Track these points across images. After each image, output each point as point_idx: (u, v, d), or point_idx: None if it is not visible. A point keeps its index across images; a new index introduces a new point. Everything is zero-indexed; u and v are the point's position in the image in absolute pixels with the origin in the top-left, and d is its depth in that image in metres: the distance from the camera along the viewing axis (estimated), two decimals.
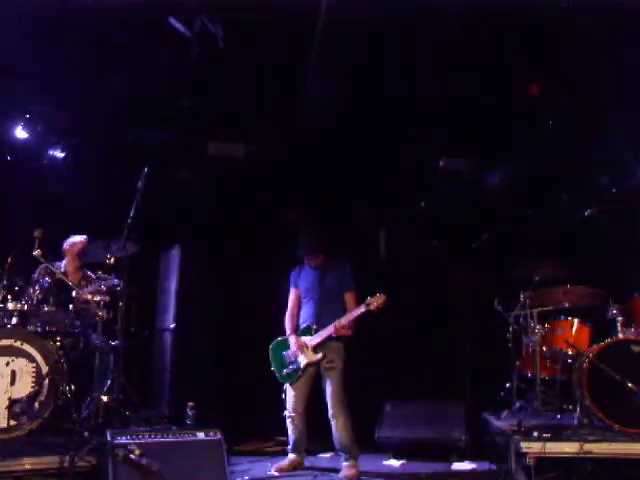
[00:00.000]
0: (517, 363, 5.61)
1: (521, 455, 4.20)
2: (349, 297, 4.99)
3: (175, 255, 6.25)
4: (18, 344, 4.28)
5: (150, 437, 3.84)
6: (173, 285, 6.15)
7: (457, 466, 5.12)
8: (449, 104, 5.74)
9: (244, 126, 6.23)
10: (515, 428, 4.41)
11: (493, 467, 4.77)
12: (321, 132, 6.23)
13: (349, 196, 6.60)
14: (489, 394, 5.72)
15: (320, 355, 4.87)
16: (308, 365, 4.90)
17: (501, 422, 5.12)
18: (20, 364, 4.25)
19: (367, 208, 6.74)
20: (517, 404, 5.45)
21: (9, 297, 4.51)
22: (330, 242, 5.14)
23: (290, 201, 6.61)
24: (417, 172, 6.57)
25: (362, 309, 4.81)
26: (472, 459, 5.17)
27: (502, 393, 5.64)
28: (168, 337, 6.06)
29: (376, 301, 4.77)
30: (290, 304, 5.16)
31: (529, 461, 4.12)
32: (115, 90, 5.51)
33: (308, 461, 5.02)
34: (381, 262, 6.84)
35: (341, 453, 4.85)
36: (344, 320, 4.84)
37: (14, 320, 4.47)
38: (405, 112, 5.92)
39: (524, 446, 4.16)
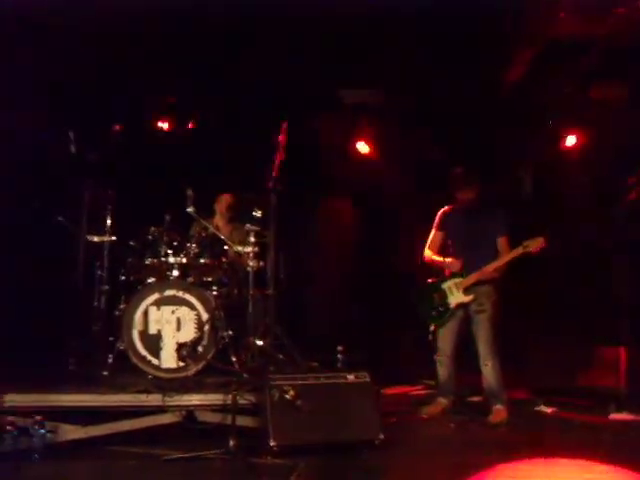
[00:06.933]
0: None
1: None
2: (502, 242, 4.86)
3: (316, 206, 6.43)
4: (180, 294, 4.65)
5: (303, 379, 4.02)
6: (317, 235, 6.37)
7: (615, 416, 4.89)
8: None
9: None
10: None
11: None
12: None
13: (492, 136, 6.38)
14: None
15: (471, 296, 4.82)
16: (458, 306, 4.87)
17: None
18: (183, 312, 4.62)
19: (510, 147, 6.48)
20: None
21: (169, 252, 4.89)
22: (481, 179, 5.00)
23: (431, 141, 6.53)
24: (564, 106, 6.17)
25: (519, 251, 4.69)
26: (634, 410, 4.89)
27: None
28: (316, 283, 6.30)
29: (534, 244, 4.63)
30: (431, 245, 5.07)
31: None
32: None
33: (456, 405, 5.05)
34: (527, 203, 6.59)
35: (490, 397, 4.83)
36: (499, 262, 4.76)
37: (175, 272, 4.84)
38: None
39: None
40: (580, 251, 6.15)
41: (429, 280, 5.06)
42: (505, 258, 4.77)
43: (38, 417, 3.68)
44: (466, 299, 4.84)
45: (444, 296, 4.91)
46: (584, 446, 4.02)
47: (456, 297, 4.87)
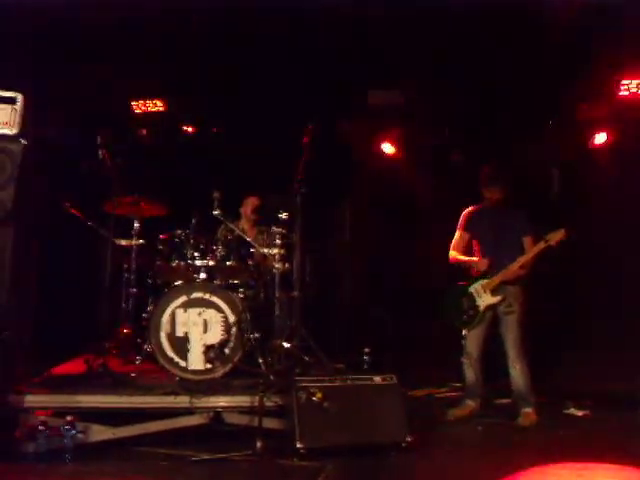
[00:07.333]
0: None
1: None
2: (528, 242, 4.83)
3: (341, 207, 6.45)
4: (207, 296, 4.67)
5: (330, 381, 4.02)
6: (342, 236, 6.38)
7: None
8: None
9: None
10: None
11: None
12: None
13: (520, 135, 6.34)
14: None
15: (499, 297, 4.78)
16: (487, 309, 4.83)
17: None
18: (210, 314, 4.64)
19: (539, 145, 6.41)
20: None
21: (196, 255, 4.92)
22: (509, 177, 4.96)
23: (454, 142, 6.50)
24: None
25: (541, 246, 4.66)
26: None
27: None
28: (342, 285, 6.31)
29: (556, 236, 4.60)
30: (456, 246, 5.04)
31: None
32: None
33: (484, 407, 4.99)
34: (554, 202, 6.52)
35: (518, 400, 4.77)
36: (524, 258, 4.72)
37: (202, 275, 4.86)
38: None
39: None
40: (612, 252, 6.06)
41: (459, 284, 5.01)
42: (529, 254, 4.74)
43: (69, 417, 3.73)
44: (495, 300, 4.80)
45: (472, 299, 4.87)
46: (615, 450, 3.94)
47: (485, 299, 4.82)
